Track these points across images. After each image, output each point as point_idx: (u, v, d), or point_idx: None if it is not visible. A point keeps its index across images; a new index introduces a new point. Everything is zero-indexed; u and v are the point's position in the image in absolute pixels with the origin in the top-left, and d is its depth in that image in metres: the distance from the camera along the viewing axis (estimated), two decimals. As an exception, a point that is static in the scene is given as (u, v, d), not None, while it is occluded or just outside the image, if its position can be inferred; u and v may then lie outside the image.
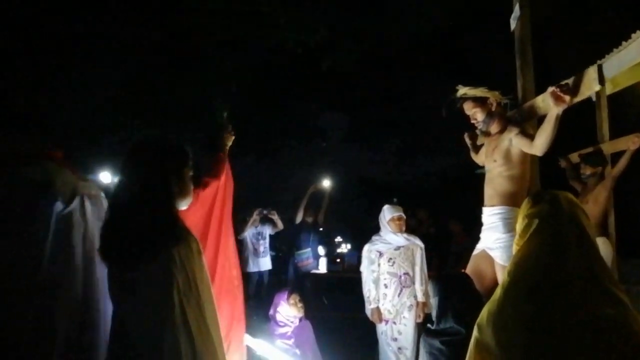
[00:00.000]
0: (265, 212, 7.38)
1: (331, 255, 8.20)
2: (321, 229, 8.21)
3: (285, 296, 4.17)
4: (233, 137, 3.36)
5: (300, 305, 4.17)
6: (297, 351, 4.06)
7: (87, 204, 2.00)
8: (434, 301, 2.57)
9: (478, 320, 1.75)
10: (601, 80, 2.42)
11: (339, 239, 9.18)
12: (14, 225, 1.84)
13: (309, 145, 14.92)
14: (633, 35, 4.00)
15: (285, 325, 4.12)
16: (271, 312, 4.20)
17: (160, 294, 1.71)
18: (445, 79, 14.23)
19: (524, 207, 1.81)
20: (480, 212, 3.36)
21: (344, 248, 9.61)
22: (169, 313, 1.69)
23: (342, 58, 7.64)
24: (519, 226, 1.80)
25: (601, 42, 6.02)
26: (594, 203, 4.70)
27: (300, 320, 4.21)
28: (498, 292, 1.72)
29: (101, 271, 1.94)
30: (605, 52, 5.20)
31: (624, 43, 4.18)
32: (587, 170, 4.84)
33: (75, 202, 1.95)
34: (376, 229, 4.92)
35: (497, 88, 3.27)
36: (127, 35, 7.73)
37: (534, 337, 1.56)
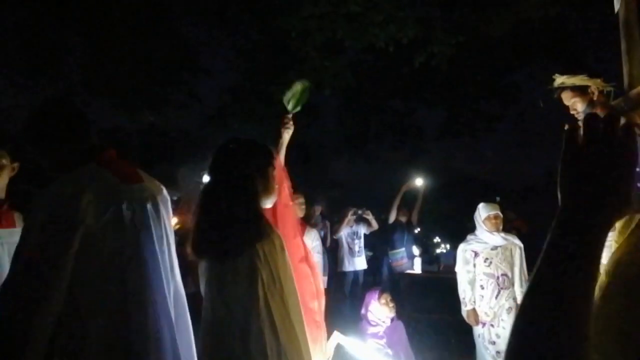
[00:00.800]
0: (359, 212, 7.36)
1: (430, 256, 8.01)
2: (416, 229, 8.09)
3: (377, 296, 4.15)
4: (291, 130, 2.66)
5: (391, 305, 4.13)
6: (389, 351, 4.02)
7: (127, 214, 1.65)
8: None
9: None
10: None
11: (437, 239, 8.96)
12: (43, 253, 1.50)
13: (404, 144, 14.72)
14: None
15: (377, 324, 4.10)
16: (363, 311, 4.20)
17: (246, 287, 1.77)
18: (551, 70, 13.49)
19: None
20: None
21: (443, 248, 9.39)
22: (254, 305, 1.75)
23: (438, 53, 7.46)
24: (619, 223, 1.65)
25: None
26: None
27: (392, 320, 4.17)
28: (596, 292, 1.59)
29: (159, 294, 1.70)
30: None
31: None
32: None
33: (109, 214, 1.60)
34: (472, 229, 4.76)
35: (604, 75, 3.04)
36: (233, 41, 8.09)
37: (629, 342, 1.43)
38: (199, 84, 9.72)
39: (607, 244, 2.22)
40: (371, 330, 4.08)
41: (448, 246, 9.69)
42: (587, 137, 0.81)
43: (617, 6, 3.16)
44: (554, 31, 10.92)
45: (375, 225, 7.47)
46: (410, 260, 7.68)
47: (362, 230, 7.46)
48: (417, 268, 7.42)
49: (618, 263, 1.59)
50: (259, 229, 1.83)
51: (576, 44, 12.18)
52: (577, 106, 3.02)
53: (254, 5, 8.55)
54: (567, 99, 3.05)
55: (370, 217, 7.43)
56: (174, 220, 4.18)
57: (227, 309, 1.81)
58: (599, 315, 1.56)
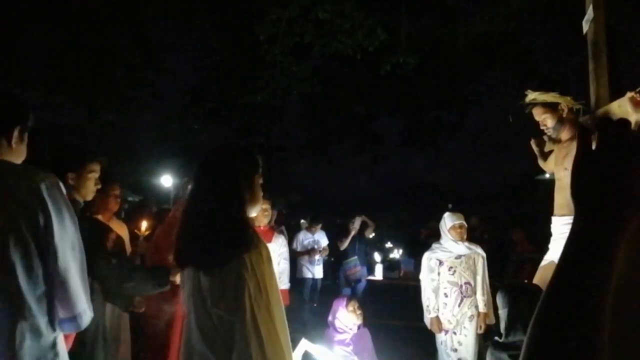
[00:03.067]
0: (355, 220, 7.61)
1: (386, 261, 8.13)
2: (369, 236, 8.26)
3: (344, 303, 4.15)
4: None
5: (359, 312, 4.15)
6: (356, 358, 4.03)
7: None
8: (502, 313, 2.49)
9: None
10: (687, 85, 2.26)
11: (389, 244, 9.09)
12: None
13: (365, 150, 14.87)
14: None
15: (344, 332, 4.10)
16: (330, 318, 4.20)
17: (233, 298, 1.73)
18: (508, 81, 13.94)
19: None
20: (540, 220, 3.24)
21: (396, 254, 9.52)
22: (241, 317, 1.72)
23: (404, 61, 7.58)
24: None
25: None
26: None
27: (359, 327, 4.18)
28: None
29: None
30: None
31: None
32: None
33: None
34: (429, 236, 4.85)
35: (561, 89, 3.14)
36: (198, 41, 7.99)
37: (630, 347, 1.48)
38: (162, 84, 9.54)
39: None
40: (338, 337, 4.08)
41: (401, 251, 9.82)
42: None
43: (585, 27, 3.28)
44: (513, 44, 11.27)
45: (372, 224, 7.77)
46: (363, 267, 7.79)
47: (323, 240, 7.55)
48: (378, 275, 7.49)
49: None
50: (247, 239, 1.80)
51: (533, 57, 12.60)
52: (548, 122, 3.12)
53: (221, 7, 8.47)
54: (538, 114, 3.14)
55: (367, 219, 7.76)
56: (144, 225, 4.07)
57: (211, 321, 1.78)
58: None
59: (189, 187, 2.05)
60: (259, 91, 7.91)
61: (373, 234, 8.23)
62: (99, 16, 8.11)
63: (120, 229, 3.81)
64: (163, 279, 2.68)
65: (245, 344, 1.71)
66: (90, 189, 2.75)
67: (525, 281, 6.38)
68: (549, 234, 3.42)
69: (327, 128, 13.28)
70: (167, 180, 13.63)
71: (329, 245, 7.56)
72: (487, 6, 8.32)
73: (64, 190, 1.98)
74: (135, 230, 4.09)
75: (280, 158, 14.05)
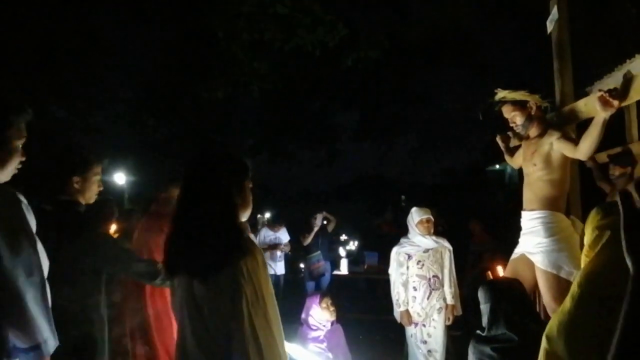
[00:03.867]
0: (317, 216, 7.63)
1: (348, 256, 8.21)
2: (330, 232, 8.35)
3: (318, 300, 4.18)
4: None
5: (332, 309, 4.18)
6: (330, 355, 4.06)
7: None
8: (484, 307, 2.56)
9: (547, 331, 1.74)
10: (653, 85, 2.39)
11: (344, 236, 9.18)
12: None
13: (321, 145, 14.93)
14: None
15: (318, 329, 4.13)
16: (303, 315, 4.21)
17: (230, 306, 1.71)
18: (461, 77, 14.31)
19: (594, 219, 1.79)
20: (494, 211, 3.35)
21: (352, 246, 9.63)
22: (239, 324, 1.70)
23: (365, 56, 7.62)
24: (588, 237, 1.79)
25: (623, 42, 6.02)
26: (624, 204, 4.66)
27: (332, 323, 4.21)
28: (567, 303, 1.71)
29: None
30: (629, 52, 5.19)
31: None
32: (616, 171, 4.78)
33: None
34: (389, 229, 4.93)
35: (513, 86, 3.25)
36: (151, 36, 7.77)
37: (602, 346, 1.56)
38: (114, 80, 9.23)
39: (549, 249, 2.40)
40: (312, 334, 4.10)
41: (356, 243, 9.93)
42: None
43: (550, 27, 3.40)
44: (465, 40, 11.55)
45: (333, 219, 7.96)
46: (327, 262, 7.87)
47: (285, 236, 7.56)
48: (343, 269, 7.56)
49: (590, 276, 1.72)
50: (242, 245, 1.78)
51: (482, 52, 12.98)
52: (517, 119, 3.22)
53: (175, 1, 8.27)
54: (507, 112, 3.24)
55: (328, 215, 7.88)
56: (113, 228, 3.96)
57: (207, 329, 1.75)
58: (575, 322, 1.68)
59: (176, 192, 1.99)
60: (219, 88, 7.80)
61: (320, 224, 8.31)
62: (44, 8, 7.77)
63: None
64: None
65: (243, 351, 1.70)
66: (94, 192, 2.71)
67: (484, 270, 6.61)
68: (506, 225, 3.55)
69: (284, 124, 13.24)
70: (120, 178, 13.28)
71: (290, 240, 7.58)
72: (438, 2, 8.50)
73: (26, 208, 1.92)
74: None
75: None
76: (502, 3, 8.93)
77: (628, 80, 2.52)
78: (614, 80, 5.06)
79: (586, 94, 4.89)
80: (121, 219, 5.73)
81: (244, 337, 1.70)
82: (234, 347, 1.70)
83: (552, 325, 1.73)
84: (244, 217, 1.95)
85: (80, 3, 8.23)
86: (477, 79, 14.23)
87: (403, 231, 4.94)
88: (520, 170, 3.59)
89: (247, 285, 1.74)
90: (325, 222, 8.12)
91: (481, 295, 2.58)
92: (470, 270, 7.21)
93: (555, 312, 1.74)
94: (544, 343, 1.73)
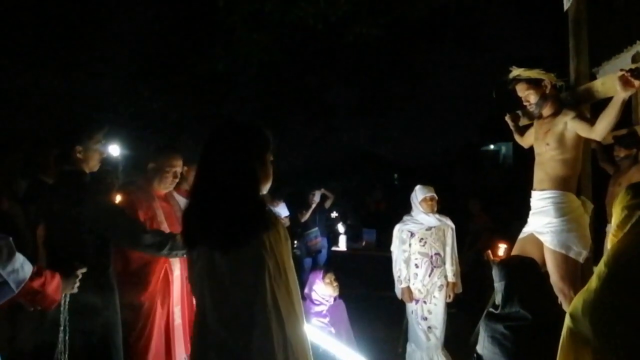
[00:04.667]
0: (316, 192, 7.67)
1: (347, 233, 8.22)
2: (328, 209, 8.37)
3: (321, 275, 4.18)
4: None
5: (335, 284, 4.19)
6: (332, 329, 4.09)
7: None
8: (498, 285, 2.55)
9: (571, 310, 1.73)
10: (677, 65, 2.35)
11: (335, 214, 9.20)
12: None
13: (317, 120, 14.82)
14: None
15: (321, 304, 4.14)
16: (306, 290, 4.21)
17: (253, 279, 1.69)
18: (460, 55, 14.20)
19: (623, 199, 1.77)
20: (488, 190, 3.34)
21: (342, 223, 9.67)
22: (262, 298, 1.68)
23: (367, 32, 7.52)
24: (616, 217, 1.77)
25: (630, 23, 5.96)
26: (628, 186, 4.68)
27: (335, 299, 4.22)
28: (594, 282, 1.69)
29: None
30: (636, 33, 5.15)
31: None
32: (620, 153, 4.80)
33: None
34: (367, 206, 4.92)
35: (512, 63, 3.21)
36: (149, 4, 7.60)
37: (636, 331, 1.55)
38: (111, 49, 9.06)
39: (559, 229, 2.38)
40: (315, 309, 4.11)
41: (349, 221, 9.97)
42: None
43: (566, 5, 3.34)
44: (467, 19, 11.43)
45: (331, 195, 8.11)
46: (324, 238, 7.89)
47: (284, 211, 7.53)
48: (342, 245, 7.58)
49: (618, 256, 1.71)
50: (265, 218, 1.75)
51: (486, 32, 12.87)
52: (531, 98, 3.18)
53: None
54: (522, 90, 3.20)
55: (326, 192, 7.98)
56: (117, 199, 3.89)
57: (228, 302, 1.73)
58: (602, 301, 1.67)
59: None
60: (218, 59, 7.69)
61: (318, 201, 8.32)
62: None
63: None
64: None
65: (266, 324, 1.69)
66: (97, 160, 2.74)
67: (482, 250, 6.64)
68: (501, 204, 3.54)
69: (280, 99, 13.12)
70: (114, 150, 13.11)
71: (289, 216, 7.57)
72: None
73: None
74: None
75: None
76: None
77: (650, 60, 2.48)
78: (622, 61, 5.03)
79: (593, 75, 4.86)
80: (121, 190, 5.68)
81: (266, 311, 1.69)
82: (256, 320, 1.69)
83: (576, 305, 1.71)
84: (265, 190, 1.91)
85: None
86: (477, 59, 14.18)
87: (392, 210, 4.94)
88: (515, 150, 3.59)
89: (270, 259, 1.72)
90: (322, 199, 8.12)
91: (495, 273, 2.57)
92: (468, 250, 7.25)
93: (581, 291, 1.73)
94: (567, 322, 1.72)
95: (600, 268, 1.72)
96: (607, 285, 1.65)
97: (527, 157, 3.82)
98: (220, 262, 1.73)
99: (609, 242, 1.79)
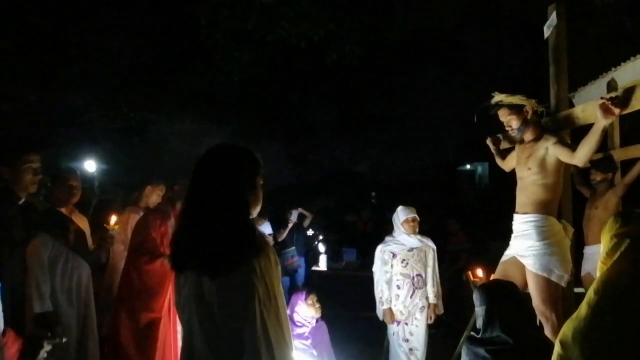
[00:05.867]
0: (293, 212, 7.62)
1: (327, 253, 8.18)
2: (306, 226, 8.34)
3: (304, 297, 4.14)
4: None
5: (318, 306, 4.15)
6: (315, 352, 4.04)
7: None
8: (480, 310, 2.56)
9: (561, 337, 1.75)
10: (656, 94, 2.42)
11: (310, 231, 9.20)
12: None
13: (297, 139, 14.86)
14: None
15: (303, 325, 4.09)
16: (289, 312, 4.16)
17: (243, 305, 1.67)
18: (439, 76, 14.43)
19: (612, 227, 1.80)
20: (465, 210, 3.38)
21: (322, 241, 9.64)
22: (252, 324, 1.66)
23: (350, 52, 7.60)
24: (606, 245, 1.80)
25: (606, 50, 6.14)
26: (604, 209, 4.78)
27: (317, 321, 4.19)
28: (584, 310, 1.71)
29: None
30: (610, 60, 5.30)
31: (642, 54, 4.26)
32: (597, 177, 4.90)
33: None
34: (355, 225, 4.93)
35: (489, 84, 3.29)
36: (132, 22, 7.57)
37: (626, 358, 1.57)
38: (91, 64, 8.96)
39: (541, 253, 2.41)
40: (297, 331, 4.05)
41: (321, 237, 9.96)
42: None
43: (547, 33, 3.43)
44: (447, 41, 11.64)
45: (310, 215, 8.06)
46: (301, 258, 7.84)
47: (268, 230, 7.49)
48: (322, 265, 7.54)
49: (608, 285, 1.73)
50: (256, 243, 1.73)
51: (464, 54, 13.11)
52: (513, 123, 3.24)
53: None
54: (504, 116, 3.25)
55: (304, 211, 7.96)
56: (114, 219, 3.83)
57: (217, 328, 1.70)
58: (592, 329, 1.68)
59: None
60: (199, 77, 7.67)
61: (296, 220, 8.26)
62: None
63: (81, 222, 3.64)
64: None
65: (255, 350, 1.66)
66: (29, 183, 2.67)
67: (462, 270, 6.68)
68: (478, 224, 3.59)
69: (262, 116, 13.13)
70: (90, 166, 12.93)
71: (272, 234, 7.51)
72: (423, 3, 8.52)
73: None
74: (105, 225, 3.85)
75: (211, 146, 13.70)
76: (485, 7, 9.01)
77: (630, 89, 2.55)
78: (598, 87, 5.15)
79: (570, 101, 4.96)
80: (98, 209, 5.59)
81: (256, 337, 1.66)
82: (246, 347, 1.66)
83: (566, 332, 1.73)
84: (255, 214, 1.90)
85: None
86: (455, 80, 14.41)
87: (380, 229, 4.96)
88: (491, 171, 3.66)
89: (260, 285, 1.70)
90: (300, 218, 8.07)
91: (477, 297, 2.58)
92: (447, 270, 7.28)
93: (570, 318, 1.75)
94: (557, 349, 1.73)
95: (590, 296, 1.74)
96: (597, 313, 1.67)
97: (503, 177, 3.89)
98: (210, 288, 1.70)
99: (599, 270, 1.82)
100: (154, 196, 4.73)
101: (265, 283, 1.72)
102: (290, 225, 7.59)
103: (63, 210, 3.51)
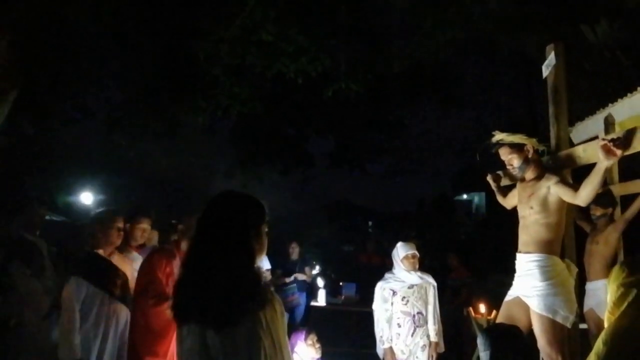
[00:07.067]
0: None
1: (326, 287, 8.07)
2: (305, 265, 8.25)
3: (303, 336, 4.08)
4: None
5: (317, 345, 4.09)
6: (314, 393, 3.96)
7: None
8: (484, 355, 2.51)
9: (570, 389, 1.71)
10: (656, 136, 2.43)
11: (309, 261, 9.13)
12: None
13: (294, 169, 14.88)
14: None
15: (303, 366, 4.02)
16: (288, 352, 4.09)
17: (247, 358, 1.62)
18: (433, 108, 14.59)
19: (618, 275, 1.78)
20: (463, 242, 3.35)
21: (317, 271, 9.55)
22: None
23: (346, 87, 7.66)
24: (612, 294, 1.77)
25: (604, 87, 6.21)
26: (605, 244, 4.76)
27: (318, 360, 4.12)
28: None
29: None
30: (606, 96, 5.36)
31: (638, 89, 4.31)
32: (597, 212, 4.89)
33: None
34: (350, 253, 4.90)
35: (481, 117, 3.32)
36: (131, 56, 7.62)
37: None
38: (88, 97, 9.01)
39: (544, 293, 2.39)
40: (297, 372, 3.99)
41: (318, 267, 9.86)
42: None
43: (545, 72, 3.46)
44: (441, 73, 11.79)
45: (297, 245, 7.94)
46: (302, 294, 7.69)
47: (266, 265, 7.40)
48: (321, 300, 7.43)
49: (616, 335, 1.70)
50: (262, 294, 1.70)
51: (458, 87, 13.27)
52: (514, 162, 3.25)
53: (154, 21, 8.15)
54: (505, 154, 3.26)
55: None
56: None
57: None
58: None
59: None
60: (199, 111, 7.71)
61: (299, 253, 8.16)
62: (21, 21, 7.55)
63: (122, 264, 3.57)
64: None
65: None
66: None
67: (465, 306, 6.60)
68: (476, 257, 3.57)
69: (259, 148, 13.17)
70: (87, 198, 12.88)
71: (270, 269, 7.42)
72: (418, 38, 8.64)
73: None
74: None
75: (209, 177, 13.75)
76: (481, 42, 9.16)
77: (632, 130, 2.57)
78: (594, 123, 5.19)
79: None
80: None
81: None
82: None
83: (576, 383, 1.69)
84: (259, 261, 1.87)
85: (58, 20, 8.04)
86: (450, 112, 14.58)
87: (388, 262, 4.90)
88: (488, 201, 3.65)
89: (266, 337, 1.66)
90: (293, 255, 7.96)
91: (480, 341, 2.54)
92: (447, 305, 7.20)
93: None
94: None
95: (598, 346, 1.71)
96: (605, 364, 1.64)
97: (500, 207, 3.88)
98: (213, 340, 1.66)
99: (606, 320, 1.79)
100: (135, 232, 4.12)
101: (272, 335, 1.69)
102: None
103: (101, 251, 3.46)
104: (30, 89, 7.31)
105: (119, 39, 8.66)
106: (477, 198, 24.74)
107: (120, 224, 3.53)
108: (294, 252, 7.70)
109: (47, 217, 10.06)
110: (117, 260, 3.54)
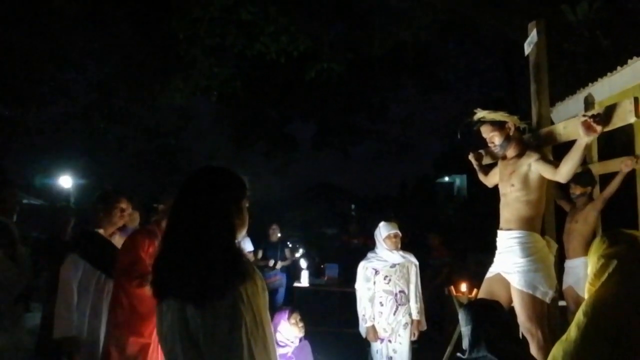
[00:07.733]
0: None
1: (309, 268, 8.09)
2: (288, 245, 8.26)
3: (286, 315, 4.06)
4: None
5: (301, 324, 4.07)
6: (298, 372, 3.97)
7: None
8: (465, 330, 2.53)
9: (550, 359, 1.73)
10: (637, 112, 2.44)
11: (289, 244, 9.15)
12: None
13: (277, 152, 14.82)
14: (629, 61, 4.15)
15: (286, 345, 4.01)
16: (271, 332, 4.08)
17: (229, 334, 1.60)
18: (415, 89, 14.59)
19: (599, 247, 1.79)
20: (444, 223, 3.37)
21: (299, 253, 9.59)
22: (238, 353, 1.59)
23: (328, 67, 7.61)
24: (593, 266, 1.79)
25: (584, 67, 6.25)
26: (584, 223, 4.83)
27: (300, 340, 4.11)
28: (573, 332, 1.70)
29: None
30: (585, 76, 5.39)
31: (618, 68, 4.34)
32: (577, 190, 4.95)
33: None
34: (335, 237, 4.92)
35: (464, 98, 3.32)
36: (108, 37, 7.47)
37: None
38: (66, 79, 8.82)
39: (525, 269, 2.41)
40: (280, 351, 3.97)
41: (301, 250, 9.92)
42: None
43: (527, 50, 3.46)
44: (421, 56, 11.77)
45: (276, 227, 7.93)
46: (283, 275, 7.72)
47: (248, 246, 7.38)
48: (304, 281, 7.46)
49: (597, 306, 1.72)
50: (243, 268, 1.68)
51: (440, 68, 13.28)
52: (495, 140, 3.25)
53: (133, 4, 7.99)
54: (486, 132, 3.26)
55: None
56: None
57: (202, 358, 1.63)
58: (582, 353, 1.66)
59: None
60: (176, 92, 7.59)
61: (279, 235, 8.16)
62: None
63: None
64: None
65: None
66: None
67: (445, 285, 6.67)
68: (457, 237, 3.60)
69: (240, 131, 13.06)
70: (66, 181, 12.70)
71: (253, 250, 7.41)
72: (400, 18, 8.60)
73: None
74: None
75: (191, 160, 13.63)
76: (462, 23, 9.14)
77: (612, 106, 2.58)
78: (574, 103, 5.23)
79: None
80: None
81: None
82: None
83: (555, 354, 1.71)
84: (240, 237, 1.85)
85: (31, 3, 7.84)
86: (432, 95, 14.60)
87: (370, 242, 4.92)
88: (469, 183, 3.66)
89: (247, 313, 1.63)
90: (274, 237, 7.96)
91: (462, 317, 2.56)
92: (428, 285, 7.26)
93: (560, 340, 1.73)
94: (548, 372, 1.71)
95: (579, 318, 1.72)
96: (586, 335, 1.66)
97: (481, 189, 3.90)
98: (194, 316, 1.63)
99: (587, 292, 1.80)
100: (113, 213, 3.66)
101: (253, 310, 1.66)
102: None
103: (101, 231, 3.44)
104: (3, 70, 7.15)
105: (96, 18, 8.48)
106: (459, 180, 24.94)
107: (124, 205, 3.53)
108: (274, 233, 7.69)
109: (25, 201, 9.91)
110: (117, 240, 3.52)
